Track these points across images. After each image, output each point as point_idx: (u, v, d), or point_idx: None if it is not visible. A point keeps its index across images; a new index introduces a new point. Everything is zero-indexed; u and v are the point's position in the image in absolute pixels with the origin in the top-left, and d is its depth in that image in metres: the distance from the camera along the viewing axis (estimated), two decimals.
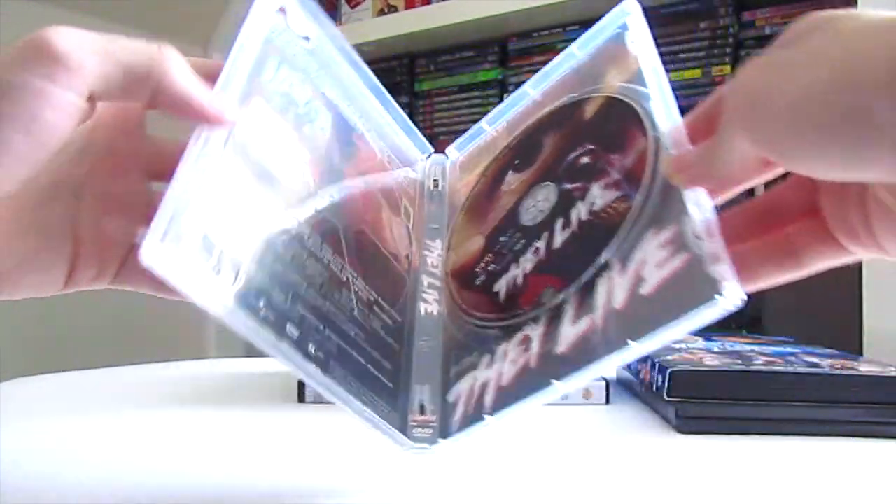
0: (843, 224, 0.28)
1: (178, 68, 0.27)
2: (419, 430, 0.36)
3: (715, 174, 0.27)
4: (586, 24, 1.76)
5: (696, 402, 0.49)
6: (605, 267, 0.32)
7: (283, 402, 0.64)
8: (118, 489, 0.37)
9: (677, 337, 0.28)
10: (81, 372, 0.83)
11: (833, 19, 0.24)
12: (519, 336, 0.35)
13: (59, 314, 1.56)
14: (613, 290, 0.31)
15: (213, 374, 0.84)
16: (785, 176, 0.29)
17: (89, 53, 0.24)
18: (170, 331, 1.78)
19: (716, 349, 0.62)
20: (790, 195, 0.30)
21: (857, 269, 1.25)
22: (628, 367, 0.64)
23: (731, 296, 0.26)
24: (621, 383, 0.68)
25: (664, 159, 0.31)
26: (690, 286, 0.28)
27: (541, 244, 0.37)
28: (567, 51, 0.43)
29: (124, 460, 0.43)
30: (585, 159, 0.37)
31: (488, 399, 0.34)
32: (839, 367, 0.51)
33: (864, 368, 0.51)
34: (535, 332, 0.34)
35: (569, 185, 0.37)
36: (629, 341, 0.29)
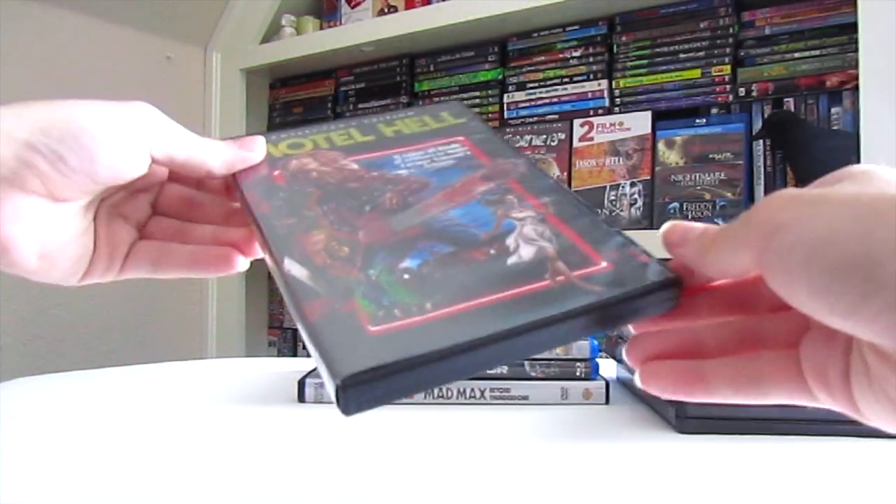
0: (819, 370, 0.27)
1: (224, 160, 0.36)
2: None
3: (702, 264, 0.28)
4: (586, 24, 1.75)
5: (695, 402, 0.49)
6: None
7: (283, 402, 0.64)
8: (118, 489, 0.37)
9: None
10: (81, 372, 0.83)
11: (872, 169, 0.24)
12: None
13: (60, 314, 1.56)
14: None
15: (213, 374, 0.84)
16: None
17: (169, 144, 0.35)
18: (170, 331, 1.78)
19: None
20: (777, 325, 0.29)
21: None
22: (628, 367, 0.64)
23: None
24: (621, 383, 0.68)
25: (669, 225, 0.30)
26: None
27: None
28: None
29: (124, 460, 0.43)
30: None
31: None
32: None
33: None
34: None
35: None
36: None
